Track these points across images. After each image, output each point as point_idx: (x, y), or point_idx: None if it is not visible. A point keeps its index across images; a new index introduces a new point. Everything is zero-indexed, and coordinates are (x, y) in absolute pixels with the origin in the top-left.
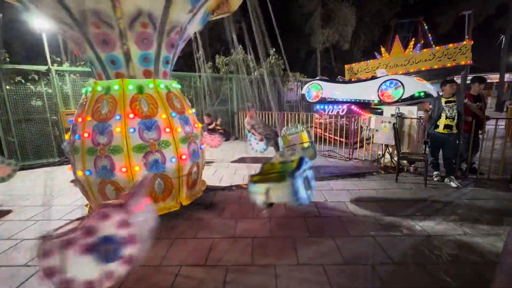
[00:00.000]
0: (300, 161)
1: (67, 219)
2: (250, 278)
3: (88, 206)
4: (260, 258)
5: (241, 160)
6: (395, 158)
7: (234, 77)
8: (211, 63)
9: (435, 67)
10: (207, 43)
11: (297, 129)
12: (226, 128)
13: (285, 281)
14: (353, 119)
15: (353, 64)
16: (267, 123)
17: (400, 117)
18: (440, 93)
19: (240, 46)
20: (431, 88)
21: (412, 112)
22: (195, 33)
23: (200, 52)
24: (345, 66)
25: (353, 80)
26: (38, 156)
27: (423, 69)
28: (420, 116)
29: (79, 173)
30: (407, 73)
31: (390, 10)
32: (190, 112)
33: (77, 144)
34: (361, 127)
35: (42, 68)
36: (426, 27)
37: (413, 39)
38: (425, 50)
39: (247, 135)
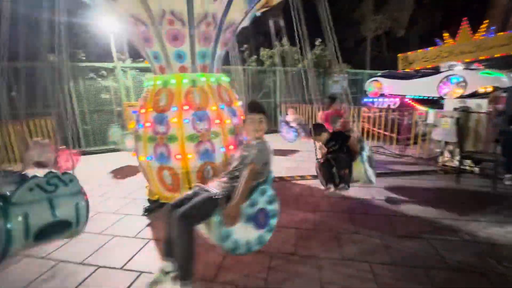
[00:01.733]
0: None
1: (132, 198)
2: (293, 266)
3: (148, 187)
4: (303, 249)
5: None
6: (457, 157)
7: (277, 70)
8: (255, 56)
9: None
10: (251, 36)
11: None
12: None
13: (329, 273)
14: (406, 113)
15: (409, 52)
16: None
17: (466, 111)
18: None
19: (285, 37)
20: (505, 81)
21: (481, 105)
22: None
23: (245, 45)
24: (398, 55)
25: (407, 70)
26: (106, 142)
27: (496, 56)
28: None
29: (141, 158)
30: (476, 61)
31: None
32: (237, 104)
33: (140, 133)
34: (416, 122)
35: (110, 65)
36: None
37: (486, 21)
38: (500, 33)
39: None
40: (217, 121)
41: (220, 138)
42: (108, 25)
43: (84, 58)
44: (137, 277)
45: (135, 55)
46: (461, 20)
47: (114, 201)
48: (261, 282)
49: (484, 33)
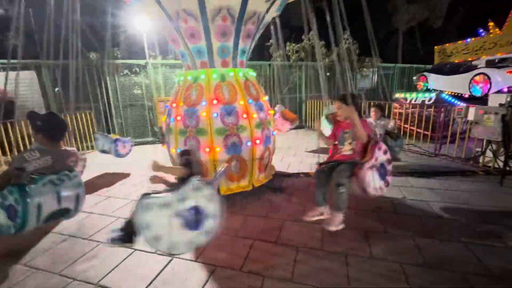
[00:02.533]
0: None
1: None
2: (320, 261)
3: (177, 178)
4: (329, 245)
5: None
6: (501, 157)
7: (303, 65)
8: (281, 51)
9: None
10: (277, 30)
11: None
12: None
13: (356, 271)
14: (442, 109)
15: (446, 44)
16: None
17: None
18: None
19: (312, 31)
20: None
21: None
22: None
23: (270, 40)
24: (435, 47)
25: (445, 63)
26: (137, 135)
27: None
28: None
29: (172, 150)
30: None
31: None
32: (264, 99)
33: (171, 126)
34: (454, 118)
35: (142, 62)
36: None
37: None
38: None
39: None
40: (245, 115)
41: (247, 132)
42: (141, 24)
43: (119, 56)
44: (169, 261)
45: (165, 52)
46: (510, 7)
47: (146, 191)
48: (287, 275)
49: None
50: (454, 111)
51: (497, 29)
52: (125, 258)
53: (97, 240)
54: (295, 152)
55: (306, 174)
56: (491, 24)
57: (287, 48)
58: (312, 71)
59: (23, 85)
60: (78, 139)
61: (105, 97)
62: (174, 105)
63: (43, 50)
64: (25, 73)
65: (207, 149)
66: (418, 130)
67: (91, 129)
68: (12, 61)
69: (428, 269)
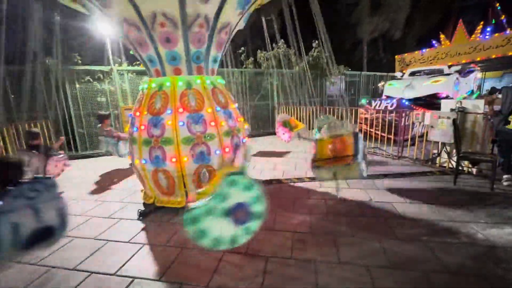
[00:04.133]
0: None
1: (127, 202)
2: (289, 270)
3: (143, 191)
4: (299, 253)
5: (277, 154)
6: (454, 158)
7: (274, 72)
8: (252, 59)
9: (510, 54)
10: (248, 39)
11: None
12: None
13: (325, 277)
14: (403, 114)
15: (405, 54)
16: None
17: (462, 111)
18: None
19: (282, 40)
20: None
21: (477, 106)
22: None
23: (242, 48)
24: (396, 56)
25: (403, 71)
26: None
27: (493, 56)
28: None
29: (137, 161)
30: (473, 62)
31: None
32: (233, 106)
33: (135, 136)
34: (413, 123)
35: (106, 68)
36: (499, 7)
37: (482, 23)
38: (497, 34)
39: None
40: (213, 123)
41: (215, 140)
42: (105, 28)
43: (80, 61)
44: (130, 283)
45: (132, 58)
46: (457, 22)
47: (109, 205)
48: (256, 287)
49: (480, 34)
50: (413, 116)
51: (448, 41)
52: (81, 283)
53: (48, 265)
54: (268, 159)
55: (278, 181)
56: (442, 36)
57: (258, 55)
58: (283, 78)
59: None
60: None
61: (64, 105)
62: (137, 113)
63: None
64: None
65: (174, 159)
66: (382, 134)
67: (47, 140)
68: None
69: (393, 270)
